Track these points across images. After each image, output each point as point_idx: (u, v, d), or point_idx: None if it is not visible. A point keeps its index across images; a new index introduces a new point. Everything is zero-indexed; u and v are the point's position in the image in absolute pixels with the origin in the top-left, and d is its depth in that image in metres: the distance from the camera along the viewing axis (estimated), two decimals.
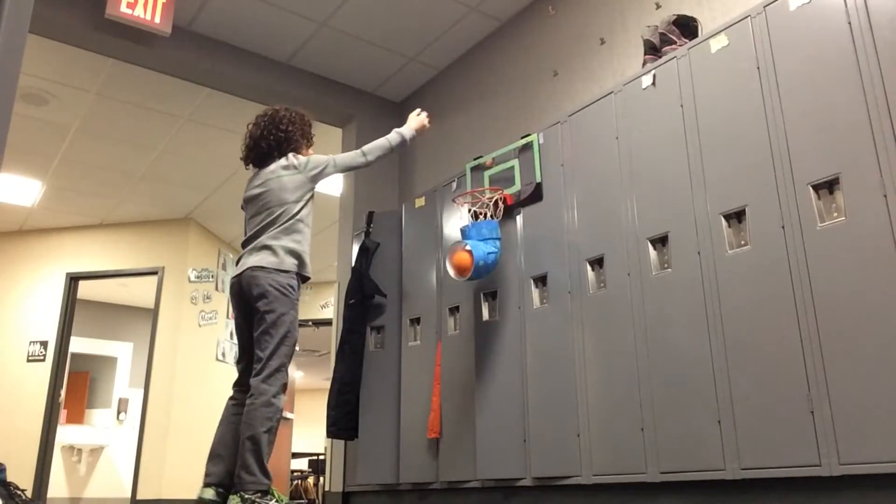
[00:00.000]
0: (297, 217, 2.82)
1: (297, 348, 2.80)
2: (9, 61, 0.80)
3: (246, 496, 2.50)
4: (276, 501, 2.54)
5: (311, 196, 2.92)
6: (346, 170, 3.00)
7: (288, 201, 2.82)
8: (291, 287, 2.74)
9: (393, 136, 3.08)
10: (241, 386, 2.79)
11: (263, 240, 2.77)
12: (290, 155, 2.91)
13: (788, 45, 2.38)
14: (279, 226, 2.79)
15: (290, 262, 2.76)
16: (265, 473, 2.55)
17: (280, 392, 2.63)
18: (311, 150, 3.05)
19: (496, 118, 4.42)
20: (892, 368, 1.95)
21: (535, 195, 3.25)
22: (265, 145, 2.92)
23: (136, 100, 5.11)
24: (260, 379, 2.61)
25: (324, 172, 2.91)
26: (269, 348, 2.64)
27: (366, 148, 3.01)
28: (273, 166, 2.89)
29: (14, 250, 7.24)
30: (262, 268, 2.71)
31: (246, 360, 2.80)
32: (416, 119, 3.22)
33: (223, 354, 7.37)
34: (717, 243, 2.46)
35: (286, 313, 2.69)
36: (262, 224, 2.81)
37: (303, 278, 2.81)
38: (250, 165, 2.98)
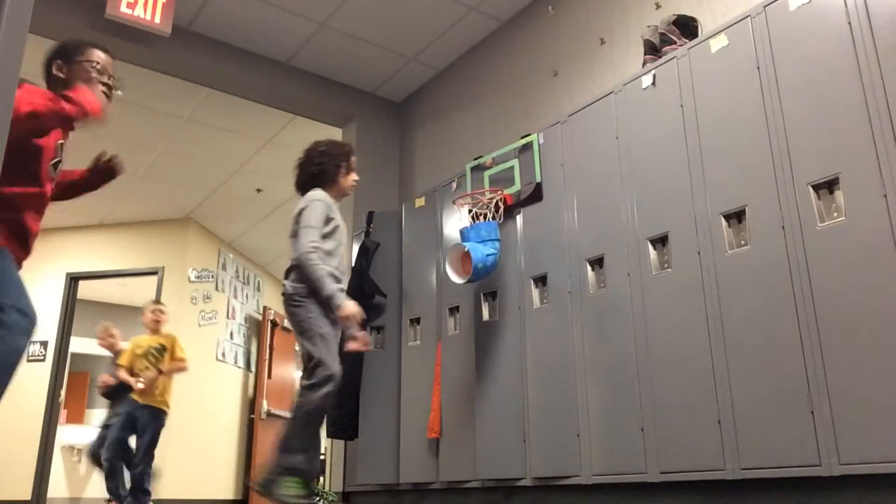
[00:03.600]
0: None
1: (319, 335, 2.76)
2: (9, 61, 0.80)
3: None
4: None
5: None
6: (298, 248, 2.77)
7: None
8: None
9: (332, 288, 2.71)
10: None
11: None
12: (310, 193, 2.90)
13: (788, 45, 2.37)
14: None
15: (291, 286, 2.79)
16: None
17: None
18: (350, 176, 3.01)
19: (496, 118, 4.42)
20: (892, 368, 1.95)
21: (535, 195, 3.25)
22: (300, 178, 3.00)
23: (136, 100, 5.11)
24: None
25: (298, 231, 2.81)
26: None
27: (317, 270, 2.71)
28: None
29: None
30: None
31: None
32: (350, 311, 2.72)
33: (223, 354, 7.35)
34: (717, 243, 2.46)
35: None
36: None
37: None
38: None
